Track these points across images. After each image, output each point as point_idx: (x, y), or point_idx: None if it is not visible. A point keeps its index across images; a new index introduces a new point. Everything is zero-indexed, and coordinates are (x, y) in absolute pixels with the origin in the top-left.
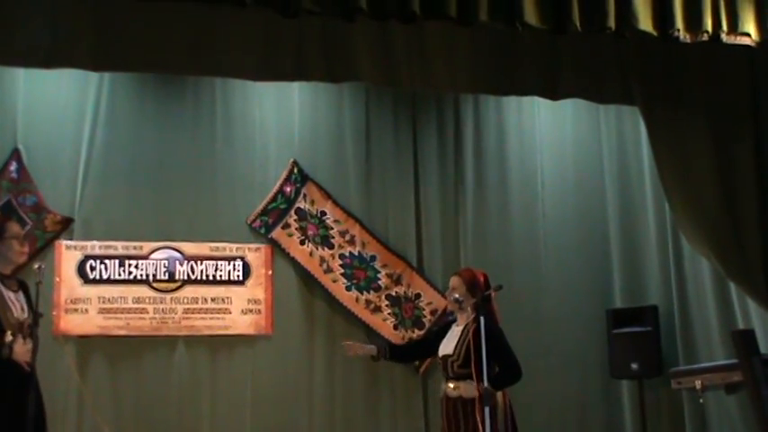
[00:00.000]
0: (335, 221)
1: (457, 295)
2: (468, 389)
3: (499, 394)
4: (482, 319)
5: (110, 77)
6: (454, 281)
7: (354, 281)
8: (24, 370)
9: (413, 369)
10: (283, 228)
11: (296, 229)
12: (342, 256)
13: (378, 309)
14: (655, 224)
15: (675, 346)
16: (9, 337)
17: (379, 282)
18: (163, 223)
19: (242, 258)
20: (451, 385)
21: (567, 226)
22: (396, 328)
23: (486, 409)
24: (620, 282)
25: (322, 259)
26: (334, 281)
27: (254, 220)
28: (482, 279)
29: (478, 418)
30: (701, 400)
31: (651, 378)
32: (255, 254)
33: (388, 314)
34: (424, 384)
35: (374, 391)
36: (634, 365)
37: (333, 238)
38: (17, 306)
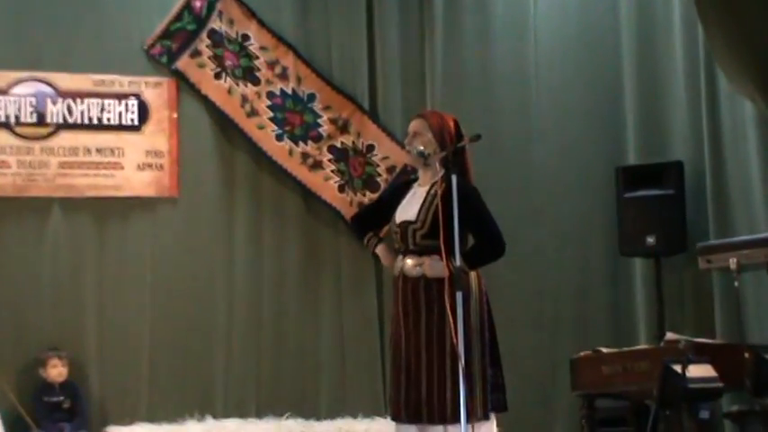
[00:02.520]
0: (262, 49)
1: (420, 146)
2: (434, 266)
3: (472, 276)
4: (453, 177)
5: None
6: (416, 125)
7: (287, 128)
8: None
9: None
10: (192, 56)
11: (209, 57)
12: (270, 95)
13: (318, 164)
14: (683, 54)
15: (705, 215)
16: None
17: (320, 129)
18: (28, 47)
19: (137, 96)
20: (411, 261)
21: (566, 58)
22: (341, 189)
23: (459, 295)
24: (634, 131)
25: (244, 98)
26: (261, 127)
27: (152, 46)
28: (452, 125)
29: (447, 305)
30: (737, 283)
31: (672, 255)
32: (155, 90)
33: (332, 172)
34: (378, 261)
35: (312, 270)
36: (650, 239)
37: (258, 70)
38: None
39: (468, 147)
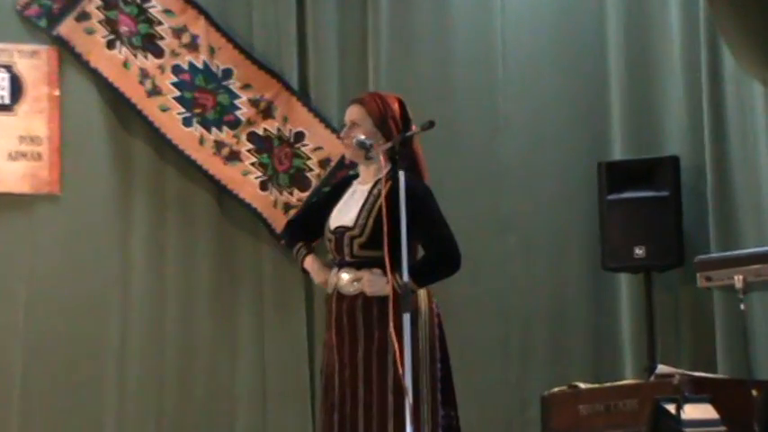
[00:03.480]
0: (166, 12)
1: (360, 136)
2: (374, 282)
3: (422, 294)
4: (401, 174)
5: None
6: (353, 114)
7: (197, 110)
8: None
9: (288, 252)
10: (78, 19)
11: (100, 22)
12: (177, 70)
13: (235, 155)
14: (680, 26)
15: (706, 222)
16: None
17: (238, 113)
18: None
19: (7, 68)
20: (347, 276)
21: (539, 30)
22: (263, 186)
23: (405, 317)
24: (620, 119)
25: (144, 73)
26: (164, 109)
27: (27, 5)
28: (398, 108)
29: (391, 330)
30: (743, 306)
31: (665, 270)
32: (31, 61)
33: (252, 165)
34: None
35: (227, 286)
36: (639, 250)
37: (162, 38)
38: None
39: (418, 137)
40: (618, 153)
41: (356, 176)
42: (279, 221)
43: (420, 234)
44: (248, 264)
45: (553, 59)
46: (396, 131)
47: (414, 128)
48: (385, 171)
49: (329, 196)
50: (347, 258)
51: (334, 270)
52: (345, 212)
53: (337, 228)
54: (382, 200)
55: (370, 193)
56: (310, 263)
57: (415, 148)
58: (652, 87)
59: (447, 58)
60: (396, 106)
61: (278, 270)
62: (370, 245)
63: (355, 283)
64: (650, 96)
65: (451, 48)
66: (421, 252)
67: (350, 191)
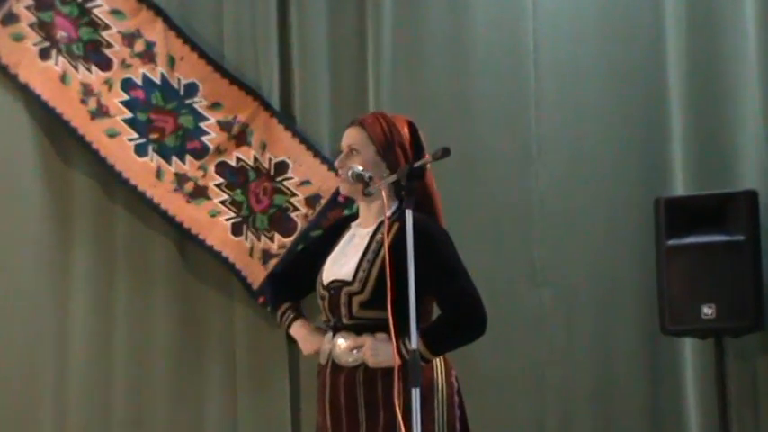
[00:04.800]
0: (115, 13)
1: (357, 167)
2: (378, 350)
3: (438, 365)
4: (408, 213)
5: None
6: (352, 137)
7: (153, 135)
8: None
9: (268, 314)
10: (4, 23)
11: (32, 25)
12: (128, 85)
13: (201, 192)
14: (757, 31)
15: None
16: None
17: (205, 138)
18: None
19: None
20: (345, 342)
21: (581, 35)
22: (236, 230)
23: (415, 393)
24: (684, 145)
25: (86, 89)
26: (112, 134)
27: None
28: (407, 133)
29: (397, 408)
30: None
31: (740, 334)
32: None
33: (222, 204)
34: (292, 340)
35: (191, 353)
36: (708, 309)
37: (109, 46)
38: None
39: (431, 168)
40: (680, 187)
41: (354, 217)
42: (256, 274)
43: (434, 288)
44: (217, 327)
45: (598, 69)
46: (404, 161)
47: (426, 157)
48: (390, 211)
49: (321, 243)
50: (345, 320)
51: (329, 335)
52: (342, 263)
53: (332, 282)
54: (386, 247)
55: (372, 238)
56: (299, 329)
57: (427, 181)
58: (723, 104)
59: (465, 69)
60: (405, 131)
61: (254, 334)
62: (373, 303)
63: (355, 352)
64: (720, 115)
65: (471, 55)
66: (436, 312)
67: (347, 236)
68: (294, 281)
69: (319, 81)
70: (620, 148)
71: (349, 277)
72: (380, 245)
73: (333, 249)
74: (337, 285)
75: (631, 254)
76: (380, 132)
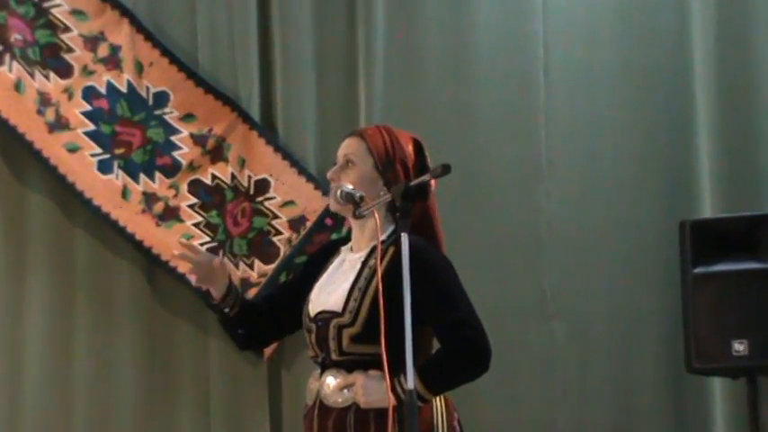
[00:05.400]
0: (76, 14)
1: (347, 185)
2: (371, 389)
3: (437, 406)
4: (404, 237)
5: None
6: (351, 146)
7: (119, 150)
8: None
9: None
10: None
11: None
12: (90, 94)
13: (172, 213)
14: None
15: None
16: None
17: (177, 153)
18: None
19: None
20: (334, 381)
21: (596, 41)
22: None
23: None
24: (711, 162)
25: (44, 99)
26: (73, 148)
27: None
28: (412, 153)
29: None
30: None
31: None
32: None
33: (196, 226)
34: (274, 378)
35: (160, 390)
36: (739, 346)
37: (69, 50)
38: None
39: (433, 185)
40: (708, 208)
41: (344, 241)
42: None
43: (433, 320)
44: (189, 365)
45: (615, 75)
46: (403, 176)
47: (427, 175)
48: (385, 234)
49: (307, 270)
50: (334, 356)
51: (315, 373)
52: (330, 291)
53: (320, 314)
54: (379, 276)
55: (364, 264)
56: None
57: (428, 203)
58: (755, 117)
59: (467, 74)
60: (409, 148)
61: (231, 374)
62: (365, 337)
63: (345, 391)
64: (753, 129)
65: (473, 59)
66: (436, 346)
67: (336, 261)
68: (274, 313)
69: (305, 89)
70: (640, 164)
71: (338, 308)
72: (374, 271)
73: (320, 277)
74: (325, 317)
75: (653, 283)
76: (381, 145)
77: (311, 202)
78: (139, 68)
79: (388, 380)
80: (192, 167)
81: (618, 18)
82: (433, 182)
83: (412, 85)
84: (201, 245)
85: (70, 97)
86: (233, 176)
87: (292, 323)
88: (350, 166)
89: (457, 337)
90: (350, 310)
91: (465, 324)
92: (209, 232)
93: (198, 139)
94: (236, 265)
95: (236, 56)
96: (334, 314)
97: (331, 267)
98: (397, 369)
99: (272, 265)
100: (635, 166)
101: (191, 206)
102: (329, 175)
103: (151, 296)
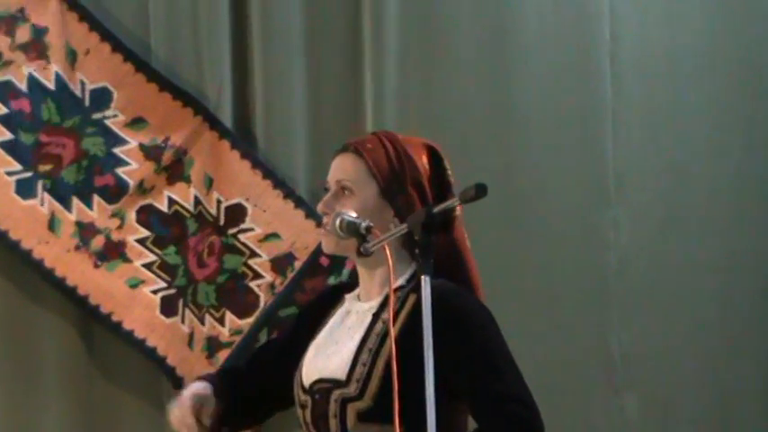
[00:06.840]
0: None
1: (349, 212)
2: None
3: None
4: (425, 281)
5: None
6: (344, 167)
7: (44, 166)
8: None
9: None
10: None
11: None
12: (6, 91)
13: (115, 250)
14: None
15: None
16: None
17: (122, 170)
18: None
19: None
20: None
21: (682, 27)
22: (168, 308)
23: None
24: None
25: None
26: None
27: None
28: (427, 165)
29: None
30: None
31: None
32: None
33: (147, 268)
34: None
35: None
36: None
37: None
38: None
39: (460, 216)
40: None
41: (350, 286)
42: (197, 373)
43: (468, 391)
44: None
45: (703, 68)
46: (421, 206)
47: (453, 199)
48: (403, 278)
49: (299, 325)
50: None
51: None
52: (331, 354)
53: (317, 383)
54: (392, 334)
55: (376, 317)
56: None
57: (456, 235)
58: None
59: (508, 71)
60: (424, 161)
61: None
62: (376, 414)
63: None
64: None
65: (517, 51)
66: (471, 424)
67: (339, 313)
68: (254, 387)
69: (291, 86)
70: (737, 185)
71: (342, 375)
72: (385, 329)
73: (317, 334)
74: (325, 388)
75: (755, 345)
76: (385, 164)
77: (301, 236)
78: (72, 58)
79: None
80: (143, 189)
81: (697, 5)
82: (458, 207)
83: (434, 82)
84: (155, 292)
85: None
86: (197, 201)
87: (276, 398)
88: (346, 194)
89: (500, 415)
90: (357, 378)
91: (511, 398)
92: (164, 276)
93: (150, 152)
94: (201, 320)
95: (201, 42)
96: (335, 383)
97: (332, 321)
98: None
99: (249, 320)
100: (732, 186)
101: (140, 241)
102: (320, 207)
103: (87, 360)
